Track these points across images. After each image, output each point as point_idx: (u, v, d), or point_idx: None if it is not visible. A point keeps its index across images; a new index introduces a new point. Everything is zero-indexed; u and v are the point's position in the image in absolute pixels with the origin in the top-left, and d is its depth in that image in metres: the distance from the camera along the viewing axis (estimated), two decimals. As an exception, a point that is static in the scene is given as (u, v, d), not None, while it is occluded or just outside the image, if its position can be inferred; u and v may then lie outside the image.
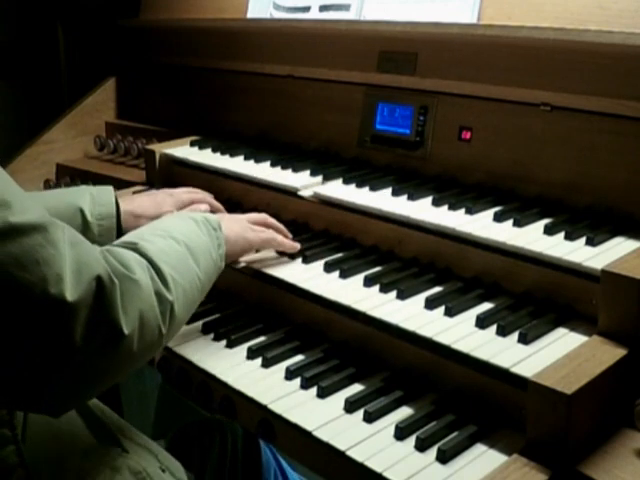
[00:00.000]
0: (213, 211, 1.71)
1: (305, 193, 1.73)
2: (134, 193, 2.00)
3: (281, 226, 1.59)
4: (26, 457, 1.13)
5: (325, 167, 1.84)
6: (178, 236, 1.25)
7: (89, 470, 1.20)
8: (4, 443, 1.12)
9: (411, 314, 1.32)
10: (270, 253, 1.59)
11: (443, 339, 1.24)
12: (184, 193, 1.72)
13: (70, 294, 0.94)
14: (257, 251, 1.57)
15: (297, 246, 1.57)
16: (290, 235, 1.60)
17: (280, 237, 1.55)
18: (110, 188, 1.59)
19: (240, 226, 1.49)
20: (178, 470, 1.34)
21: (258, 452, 1.64)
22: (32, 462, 1.14)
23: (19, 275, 0.90)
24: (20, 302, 0.91)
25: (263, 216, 1.59)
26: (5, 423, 1.12)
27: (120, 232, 1.54)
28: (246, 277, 1.59)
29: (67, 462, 1.19)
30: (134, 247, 1.15)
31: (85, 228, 1.50)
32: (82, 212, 1.51)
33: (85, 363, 0.98)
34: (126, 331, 1.01)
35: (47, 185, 2.41)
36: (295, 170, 1.84)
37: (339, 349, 1.40)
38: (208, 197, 1.75)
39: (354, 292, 1.41)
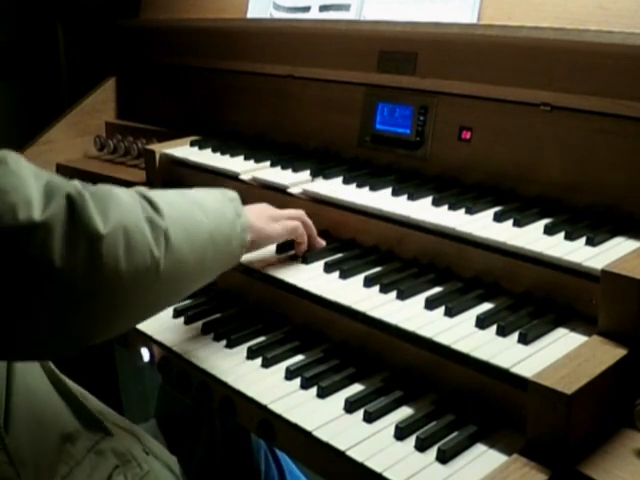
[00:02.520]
0: None
1: (305, 193, 1.73)
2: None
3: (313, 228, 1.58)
4: (8, 442, 1.12)
5: (325, 167, 1.84)
6: (184, 191, 1.24)
7: (73, 454, 1.20)
8: None
9: (411, 314, 1.32)
10: (270, 253, 1.60)
11: (443, 339, 1.24)
12: None
13: (38, 214, 0.92)
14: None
15: (323, 243, 1.57)
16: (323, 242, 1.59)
17: (304, 232, 1.53)
18: None
19: (265, 220, 1.45)
20: (162, 452, 1.34)
21: (247, 434, 1.64)
22: (15, 447, 1.13)
23: None
24: None
25: (300, 213, 1.56)
26: None
27: None
28: (246, 277, 1.59)
29: (51, 447, 1.19)
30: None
31: None
32: None
33: (70, 283, 0.95)
34: (103, 231, 0.97)
35: (47, 185, 2.41)
36: (295, 170, 1.84)
37: (339, 349, 1.41)
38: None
39: (354, 292, 1.41)
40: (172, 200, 1.15)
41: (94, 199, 1.00)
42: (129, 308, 1.06)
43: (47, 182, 0.98)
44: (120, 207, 1.03)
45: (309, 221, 1.56)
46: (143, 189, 1.14)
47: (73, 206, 0.96)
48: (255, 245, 1.41)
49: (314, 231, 1.57)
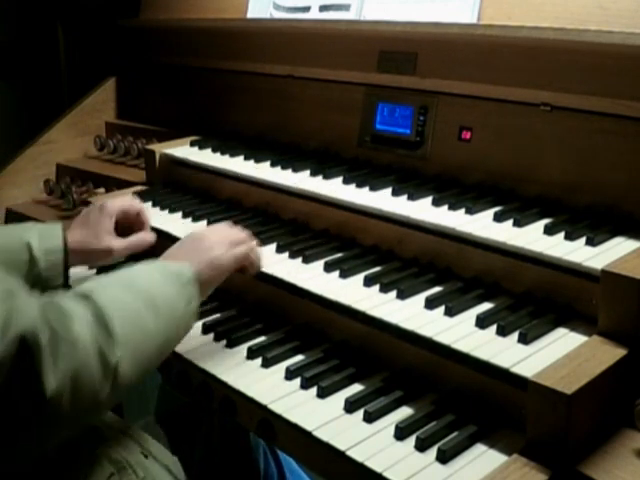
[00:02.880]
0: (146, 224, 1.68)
1: (305, 193, 1.73)
2: (133, 193, 2.00)
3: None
4: None
5: (325, 167, 1.84)
6: (139, 289, 1.18)
7: (68, 463, 1.20)
8: None
9: (411, 314, 1.32)
10: (269, 253, 1.60)
11: (443, 339, 1.24)
12: (113, 202, 1.65)
13: None
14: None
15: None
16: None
17: (255, 252, 1.46)
18: (59, 225, 1.56)
19: (212, 252, 1.36)
20: (162, 454, 1.33)
21: (247, 432, 1.63)
22: None
23: None
24: None
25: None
26: None
27: (67, 267, 1.52)
28: (246, 277, 1.59)
29: (44, 456, 1.18)
30: (87, 296, 1.09)
31: (32, 263, 1.47)
32: (29, 246, 1.48)
33: (4, 429, 0.95)
34: (48, 393, 0.96)
35: (47, 185, 2.41)
36: (295, 170, 1.84)
37: (339, 349, 1.40)
38: (137, 204, 1.69)
39: (354, 292, 1.41)
40: (127, 315, 1.12)
41: (52, 349, 0.97)
42: (72, 431, 1.07)
43: (7, 310, 0.94)
44: (76, 355, 1.01)
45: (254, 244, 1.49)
46: (100, 302, 1.09)
47: (26, 352, 0.94)
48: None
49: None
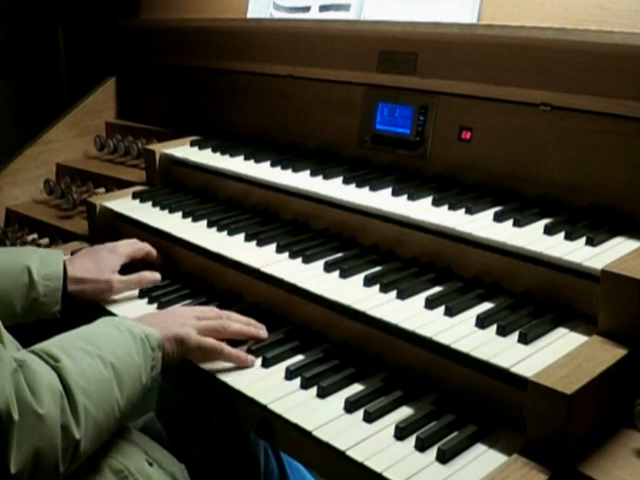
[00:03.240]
0: (154, 264, 1.75)
1: (305, 193, 1.73)
2: (134, 192, 2.01)
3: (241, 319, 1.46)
4: None
5: (325, 167, 1.84)
6: (107, 356, 1.18)
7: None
8: None
9: (411, 314, 1.32)
10: (270, 253, 1.60)
11: (443, 339, 1.24)
12: (124, 246, 1.72)
13: None
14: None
15: (249, 361, 1.38)
16: (258, 329, 1.45)
17: (227, 349, 1.37)
18: (59, 251, 1.60)
19: (181, 328, 1.35)
20: (168, 462, 1.32)
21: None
22: None
23: None
24: None
25: (220, 324, 1.42)
26: None
27: (65, 294, 1.56)
28: (246, 277, 1.59)
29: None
30: (56, 365, 1.10)
31: (31, 286, 1.51)
32: (29, 270, 1.51)
33: None
34: (13, 470, 0.99)
35: (47, 185, 2.41)
36: (295, 170, 1.84)
37: (339, 349, 1.40)
38: (147, 247, 1.76)
39: (354, 292, 1.41)
40: (94, 390, 1.13)
41: (20, 425, 0.99)
42: None
43: None
44: (42, 432, 1.03)
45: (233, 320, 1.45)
46: (66, 369, 1.11)
47: None
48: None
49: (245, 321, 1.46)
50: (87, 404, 1.10)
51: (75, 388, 1.10)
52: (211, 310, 1.46)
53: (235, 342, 1.42)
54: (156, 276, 1.69)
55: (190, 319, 1.39)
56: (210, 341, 1.37)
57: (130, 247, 1.74)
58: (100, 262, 1.65)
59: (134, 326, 1.29)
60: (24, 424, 1.00)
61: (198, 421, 1.54)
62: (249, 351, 1.40)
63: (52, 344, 1.17)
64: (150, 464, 1.26)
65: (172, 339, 1.33)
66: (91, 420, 1.11)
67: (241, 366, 1.37)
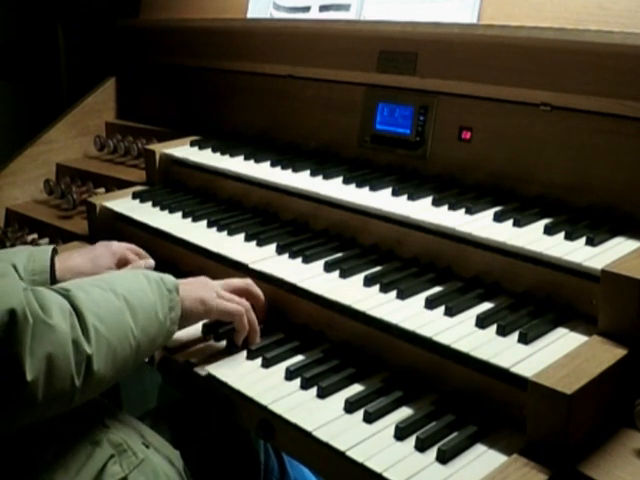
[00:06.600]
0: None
1: (305, 193, 1.73)
2: (133, 193, 2.01)
3: (262, 299, 1.51)
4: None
5: (325, 167, 1.84)
6: (119, 290, 1.22)
7: (69, 445, 1.21)
8: None
9: (411, 314, 1.32)
10: (270, 253, 1.60)
11: (443, 339, 1.24)
12: (119, 244, 1.69)
13: None
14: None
15: (257, 340, 1.44)
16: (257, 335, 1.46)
17: (245, 319, 1.42)
18: (49, 247, 1.58)
19: (205, 292, 1.40)
20: (164, 446, 1.34)
21: None
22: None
23: None
24: None
25: (246, 283, 1.50)
26: None
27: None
28: (246, 277, 1.59)
29: (46, 438, 1.20)
30: (66, 293, 1.15)
31: None
32: (15, 268, 1.48)
33: None
34: (29, 376, 1.01)
35: (47, 185, 2.41)
36: (295, 170, 1.84)
37: (339, 349, 1.40)
38: (144, 253, 1.72)
39: (354, 292, 1.41)
40: (103, 313, 1.17)
41: (33, 330, 1.03)
42: (36, 419, 1.11)
43: (1, 287, 1.01)
44: (53, 339, 1.06)
45: (258, 292, 1.50)
46: (77, 296, 1.15)
47: (13, 327, 1.01)
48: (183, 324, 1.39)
49: (262, 303, 1.51)
50: (97, 325, 1.13)
51: (84, 310, 1.13)
52: (240, 283, 1.49)
53: (232, 341, 1.44)
54: (150, 263, 1.65)
55: (216, 286, 1.43)
56: (231, 305, 1.41)
57: (125, 245, 1.69)
58: (95, 259, 1.62)
59: (151, 272, 1.34)
60: (36, 331, 1.03)
61: (198, 417, 1.55)
62: (249, 351, 1.41)
63: (62, 284, 1.22)
64: (147, 446, 1.29)
65: (193, 299, 1.37)
66: (103, 340, 1.14)
67: (249, 342, 1.43)
